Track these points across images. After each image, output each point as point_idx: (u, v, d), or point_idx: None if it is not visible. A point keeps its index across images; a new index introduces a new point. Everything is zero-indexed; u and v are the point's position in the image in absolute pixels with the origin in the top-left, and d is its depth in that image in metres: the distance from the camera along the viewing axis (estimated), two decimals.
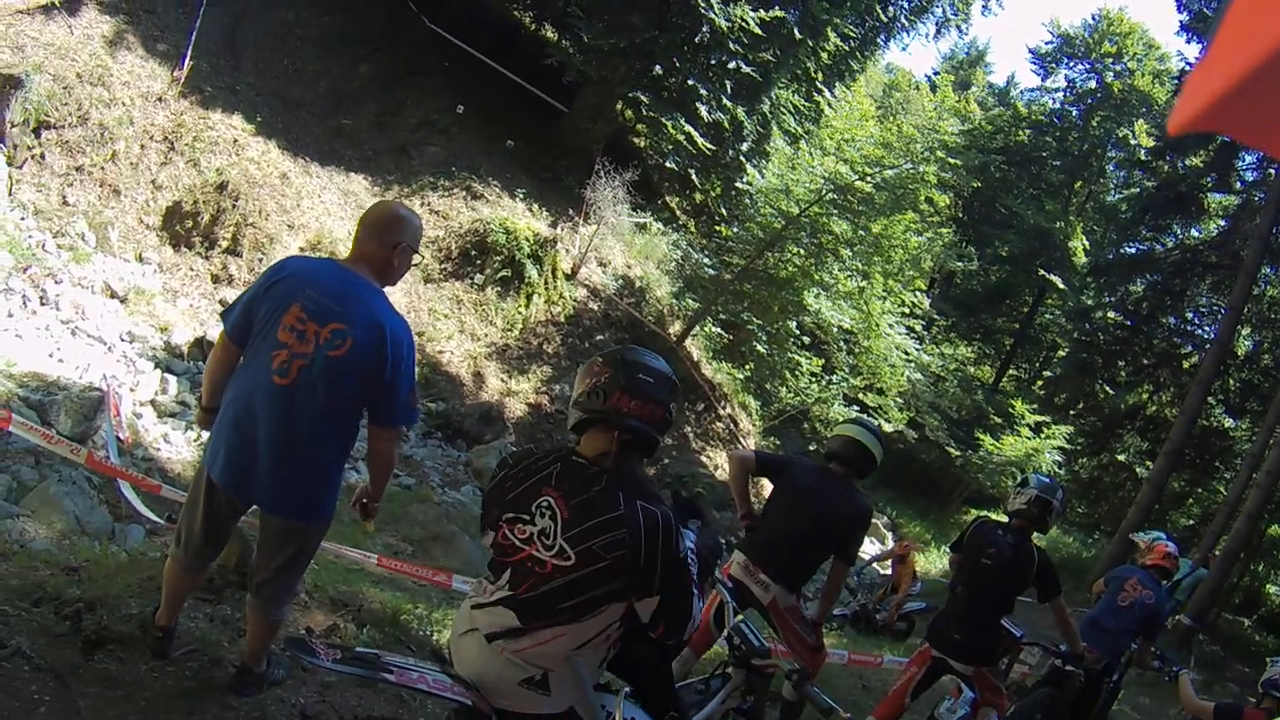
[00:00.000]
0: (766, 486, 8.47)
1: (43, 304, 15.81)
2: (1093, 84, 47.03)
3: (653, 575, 3.60)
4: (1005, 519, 7.99)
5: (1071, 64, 48.59)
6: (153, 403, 15.04)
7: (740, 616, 6.24)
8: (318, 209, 21.71)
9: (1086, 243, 44.98)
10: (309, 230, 20.97)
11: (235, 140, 21.45)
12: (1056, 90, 49.67)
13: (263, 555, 5.27)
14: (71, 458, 9.77)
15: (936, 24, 37.32)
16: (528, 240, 23.51)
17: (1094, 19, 47.73)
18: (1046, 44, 49.72)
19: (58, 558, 7.08)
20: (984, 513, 9.57)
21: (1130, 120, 45.19)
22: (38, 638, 5.29)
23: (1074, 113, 47.97)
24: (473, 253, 23.40)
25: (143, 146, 20.18)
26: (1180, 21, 32.41)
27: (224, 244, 19.70)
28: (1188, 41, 35.07)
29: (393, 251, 5.06)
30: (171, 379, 15.81)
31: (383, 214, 5.19)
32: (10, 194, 17.58)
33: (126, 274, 17.99)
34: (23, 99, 18.37)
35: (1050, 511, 7.79)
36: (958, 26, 38.51)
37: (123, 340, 16.35)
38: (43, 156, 18.71)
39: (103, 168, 19.32)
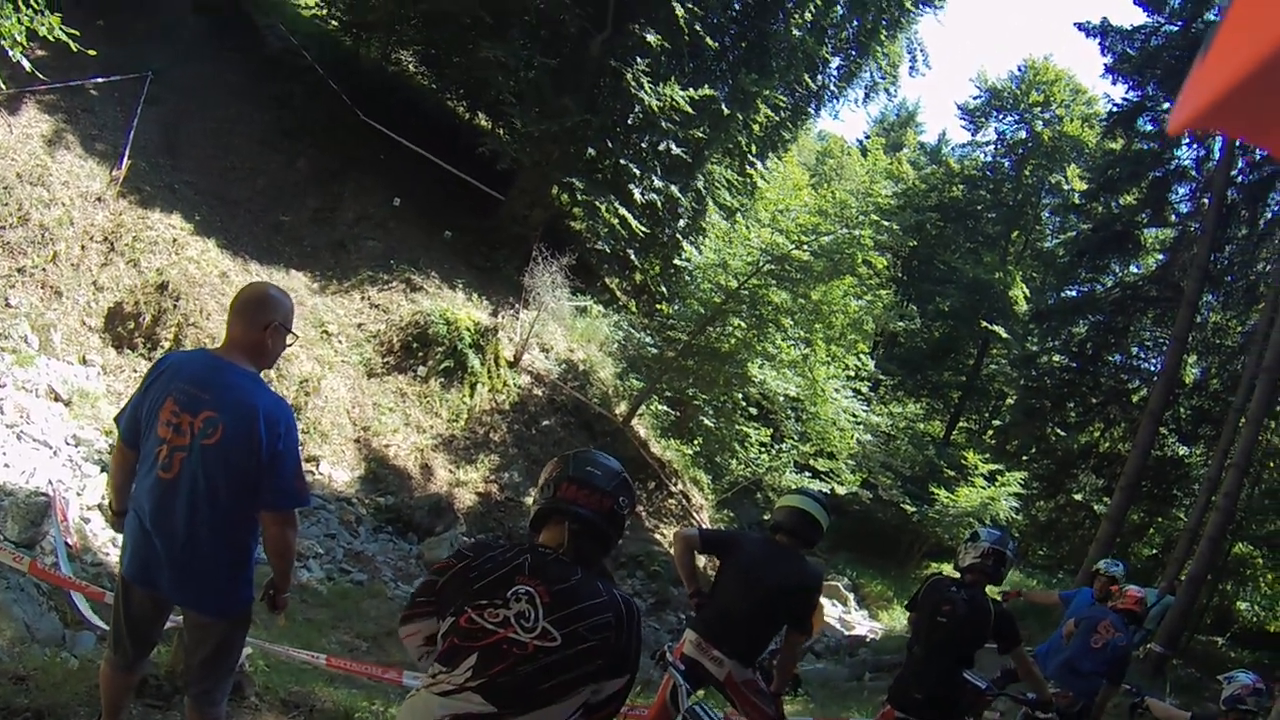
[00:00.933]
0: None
1: None
2: (1023, 134, 47.64)
3: (631, 657, 3.80)
4: (958, 574, 8.13)
5: (1001, 116, 49.25)
6: (99, 507, 14.95)
7: (695, 697, 6.58)
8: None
9: (1027, 290, 45.24)
10: None
11: (175, 240, 21.51)
12: (988, 144, 50.37)
13: (188, 653, 5.35)
14: (15, 566, 9.74)
15: (865, 89, 37.55)
16: (469, 330, 23.61)
17: (1020, 70, 48.56)
18: (975, 99, 50.47)
19: (6, 666, 7.12)
20: (939, 567, 9.49)
21: (1062, 166, 45.83)
22: None
23: (1006, 164, 48.58)
24: (414, 345, 23.46)
25: (83, 247, 20.22)
26: (1105, 64, 32.72)
27: (166, 344, 19.62)
28: (1113, 83, 35.85)
29: (264, 333, 5.09)
30: None
31: (252, 296, 5.23)
32: None
33: (70, 376, 17.97)
34: None
35: (1004, 562, 7.89)
36: (886, 90, 38.78)
37: (68, 444, 16.24)
38: None
39: (44, 269, 19.32)
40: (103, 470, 15.77)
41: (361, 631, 13.98)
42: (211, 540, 4.97)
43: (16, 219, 19.21)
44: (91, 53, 14.52)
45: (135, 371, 19.24)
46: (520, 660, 3.58)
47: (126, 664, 5.35)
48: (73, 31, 10.29)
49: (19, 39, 9.86)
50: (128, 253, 20.70)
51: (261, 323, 5.07)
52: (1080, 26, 32.14)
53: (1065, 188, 45.76)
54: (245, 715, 6.92)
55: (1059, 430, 37.34)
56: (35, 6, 9.95)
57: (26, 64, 10.31)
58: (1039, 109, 47.00)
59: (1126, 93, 34.15)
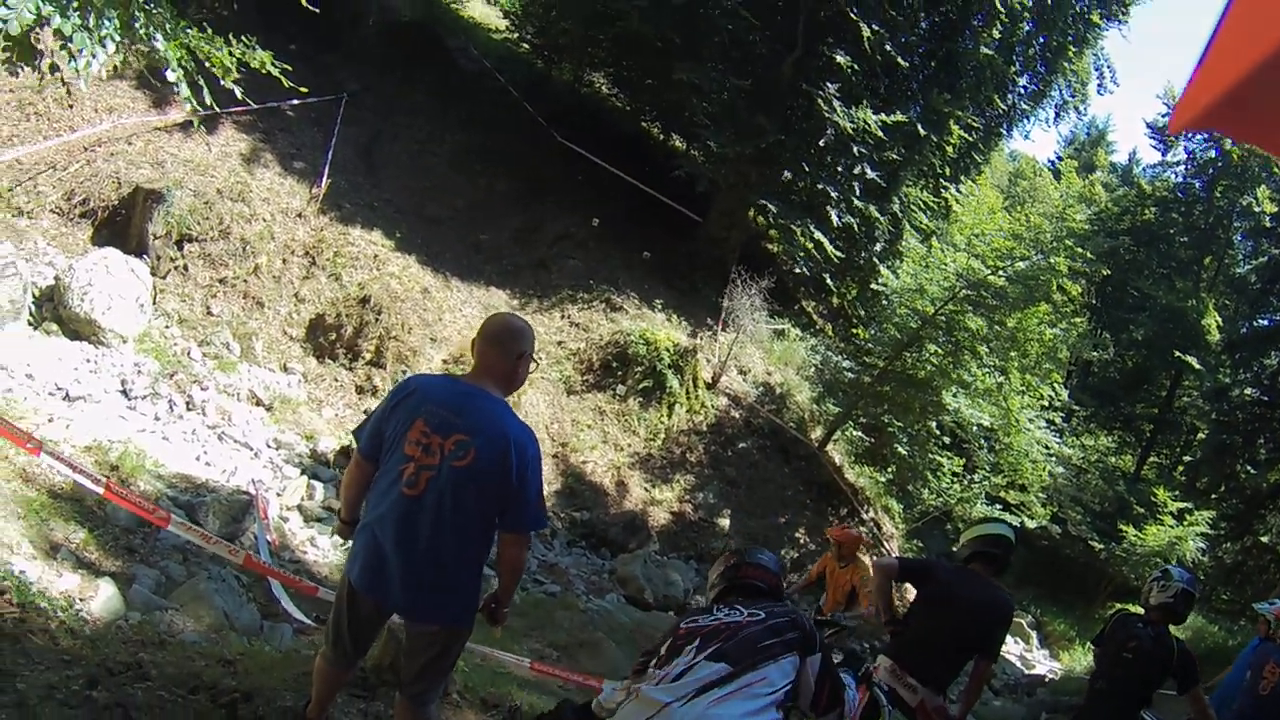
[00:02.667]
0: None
1: (189, 409, 16.06)
2: (1212, 153, 45.70)
3: (815, 633, 4.66)
4: (1143, 611, 7.88)
5: (1189, 135, 47.27)
6: (299, 507, 15.14)
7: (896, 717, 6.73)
8: (459, 322, 21.90)
9: (1219, 319, 43.75)
10: (451, 343, 21.16)
11: (375, 255, 21.83)
12: (1178, 164, 48.52)
13: (409, 657, 5.47)
14: (228, 557, 9.93)
15: (1055, 108, 37.05)
16: (668, 350, 23.54)
17: None
18: (1163, 116, 48.55)
19: (211, 650, 7.27)
20: (1124, 608, 9.23)
21: (1252, 188, 44.15)
22: None
23: (1196, 185, 46.81)
24: (614, 364, 23.50)
25: (284, 260, 20.65)
26: None
27: (367, 356, 19.93)
28: None
29: (516, 362, 5.25)
30: (318, 485, 15.87)
31: (506, 326, 5.37)
32: (155, 303, 17.96)
33: (272, 383, 18.30)
34: (164, 212, 18.96)
35: (1191, 604, 7.70)
36: (1075, 108, 38.22)
37: (269, 446, 16.56)
38: (185, 268, 19.20)
39: (245, 280, 19.78)
40: (302, 473, 15.98)
41: (554, 641, 13.93)
42: (451, 557, 5.10)
43: (218, 232, 19.76)
44: (303, 90, 14.74)
45: (336, 380, 19.58)
46: (738, 629, 4.50)
47: (345, 663, 5.60)
48: (285, 66, 10.41)
49: (231, 67, 9.95)
50: (329, 267, 21.07)
51: (515, 352, 5.25)
52: None
53: (1256, 210, 44.31)
54: (447, 710, 7.03)
55: (1249, 468, 36.19)
56: (247, 41, 10.05)
57: (238, 91, 10.41)
58: None
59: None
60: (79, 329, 16.08)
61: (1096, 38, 35.18)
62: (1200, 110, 1.16)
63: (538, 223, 27.10)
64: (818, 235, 26.61)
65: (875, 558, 15.10)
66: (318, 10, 12.19)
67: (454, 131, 27.52)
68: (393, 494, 5.00)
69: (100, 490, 9.20)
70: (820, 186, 26.46)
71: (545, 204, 27.43)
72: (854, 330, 29.36)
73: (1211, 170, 45.46)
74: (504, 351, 5.21)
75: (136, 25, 8.76)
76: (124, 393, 15.47)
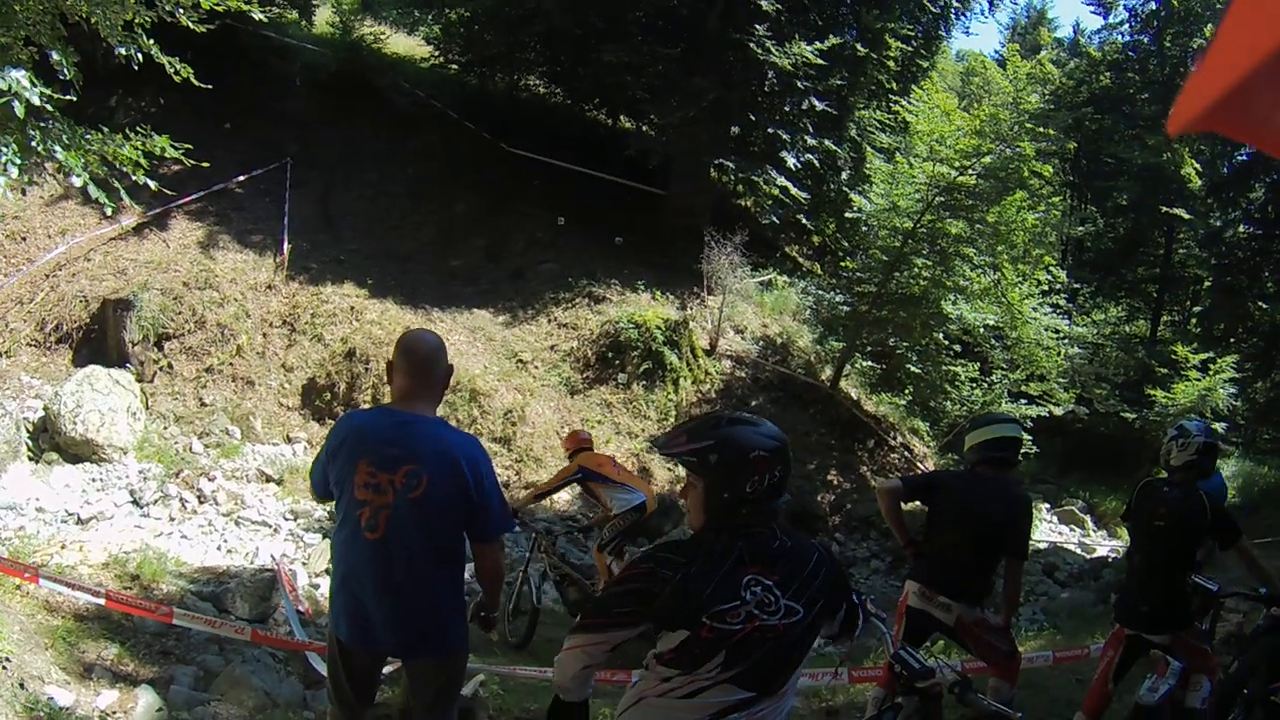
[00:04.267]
0: None
1: (201, 502, 16.19)
2: (1152, 4, 44.78)
3: (847, 585, 4.08)
4: (1166, 474, 7.73)
5: None
6: (327, 572, 15.19)
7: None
8: (449, 352, 21.81)
9: (1198, 165, 43.43)
10: None
11: (352, 308, 21.88)
12: (1121, 24, 47.12)
13: (415, 694, 5.54)
14: (236, 637, 10.07)
15: None
16: (660, 328, 23.52)
17: None
18: None
19: None
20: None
21: (1199, 29, 43.76)
22: None
23: (1145, 40, 45.80)
24: (609, 354, 23.50)
25: (264, 335, 20.81)
26: None
27: (366, 406, 19.79)
28: None
29: (445, 378, 5.43)
30: None
31: (427, 349, 5.39)
32: (147, 408, 18.20)
33: (277, 456, 18.40)
34: (137, 318, 19.16)
35: (1214, 454, 7.55)
36: None
37: (286, 519, 16.62)
38: (169, 366, 19.39)
39: (231, 364, 19.93)
40: (324, 537, 16.01)
41: None
42: (429, 588, 5.17)
43: (194, 324, 19.98)
44: (218, 170, 14.84)
45: None
46: (774, 641, 3.64)
47: (351, 716, 5.53)
48: (185, 145, 10.45)
49: (141, 162, 9.99)
50: (309, 330, 21.20)
51: (444, 371, 5.40)
52: None
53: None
54: None
55: (1261, 304, 36.02)
56: (142, 130, 10.09)
57: (152, 184, 10.48)
58: None
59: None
60: (78, 451, 16.21)
61: None
62: (1200, 110, 1.15)
63: (504, 236, 27.21)
64: (781, 180, 26.62)
65: (878, 483, 15.11)
66: (226, 93, 12.19)
67: (403, 166, 27.66)
68: (356, 542, 5.03)
69: (101, 600, 9.37)
70: (771, 131, 26.47)
71: (509, 215, 27.48)
72: (841, 264, 29.15)
73: (1156, 22, 44.95)
74: (433, 374, 5.29)
75: (33, 144, 8.81)
76: (134, 502, 15.59)
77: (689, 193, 28.30)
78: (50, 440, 16.29)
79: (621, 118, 33.51)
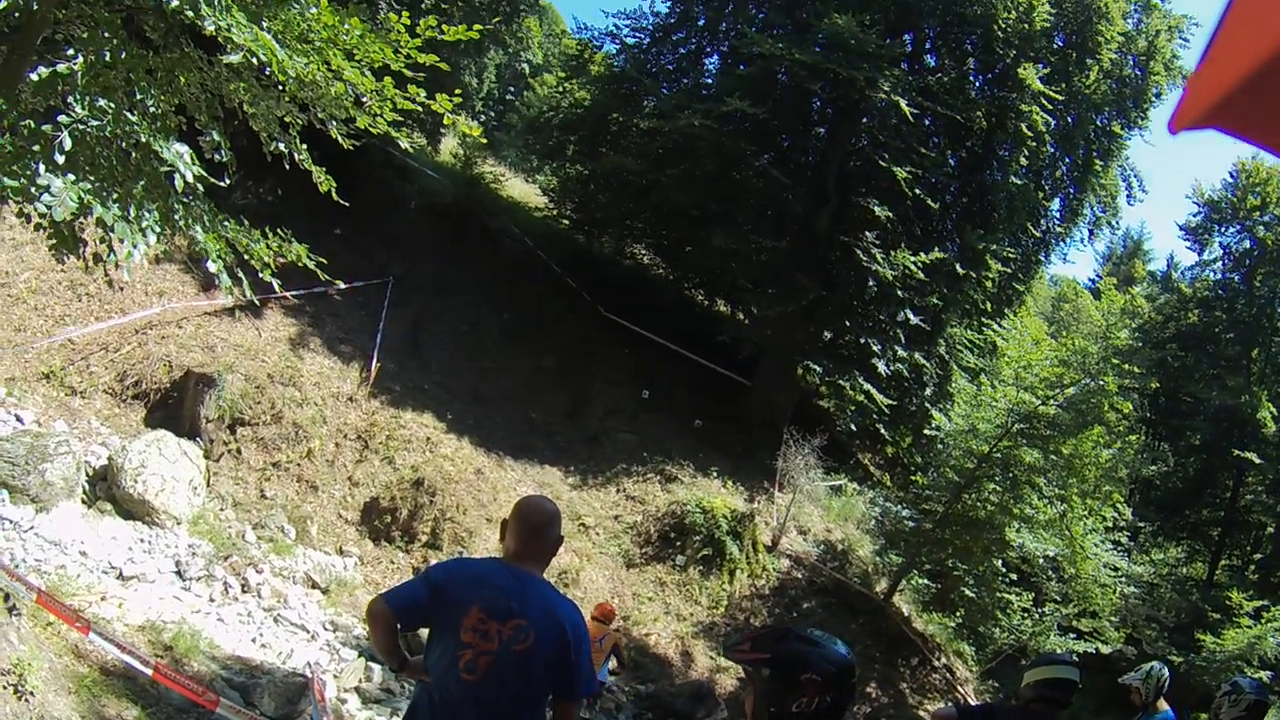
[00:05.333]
0: None
1: (244, 591, 16.06)
2: (1247, 243, 45.39)
3: None
4: None
5: (1223, 229, 46.74)
6: (357, 689, 15.02)
7: None
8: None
9: (1274, 409, 43.04)
10: None
11: (428, 438, 22.00)
12: (1214, 261, 47.60)
13: None
14: None
15: (1089, 226, 37.41)
16: (725, 517, 23.46)
17: (1232, 176, 46.12)
18: (1194, 215, 47.77)
19: None
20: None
21: None
22: None
23: (1236, 279, 46.01)
24: (671, 534, 23.46)
25: (337, 444, 20.90)
26: None
27: (423, 538, 19.95)
28: None
29: (556, 546, 5.59)
30: (375, 667, 15.59)
31: (547, 516, 5.54)
32: (209, 485, 18.21)
33: (328, 565, 18.31)
34: (216, 397, 19.30)
35: (1265, 711, 7.57)
36: (1109, 223, 38.30)
37: (325, 629, 16.47)
38: (239, 451, 19.43)
39: (299, 464, 19.97)
40: (360, 655, 15.91)
41: None
42: None
43: (270, 416, 20.06)
44: (338, 283, 15.09)
45: (393, 563, 19.56)
46: None
47: None
48: (321, 260, 10.71)
49: (269, 262, 10.27)
50: (382, 450, 21.25)
51: (556, 538, 5.56)
52: None
53: None
54: None
55: None
56: (283, 235, 10.39)
57: (276, 285, 10.75)
58: (1258, 214, 44.45)
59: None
60: (133, 509, 16.26)
61: (1120, 149, 35.47)
62: (1202, 110, 1.17)
63: (587, 397, 27.40)
64: (867, 387, 26.81)
65: (935, 708, 15.03)
66: (348, 203, 12.50)
67: (499, 310, 27.99)
68: (449, 679, 5.15)
69: (149, 672, 9.35)
70: (864, 341, 26.81)
71: (594, 378, 27.72)
72: (912, 478, 29.05)
73: (1248, 260, 44.77)
74: (547, 540, 5.48)
75: (175, 217, 9.04)
76: (178, 573, 15.56)
77: (775, 387, 28.44)
78: (108, 490, 16.33)
79: (719, 301, 33.88)
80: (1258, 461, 38.49)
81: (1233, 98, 1.12)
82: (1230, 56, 1.12)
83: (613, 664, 15.57)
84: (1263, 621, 28.34)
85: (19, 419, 17.09)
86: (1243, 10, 1.13)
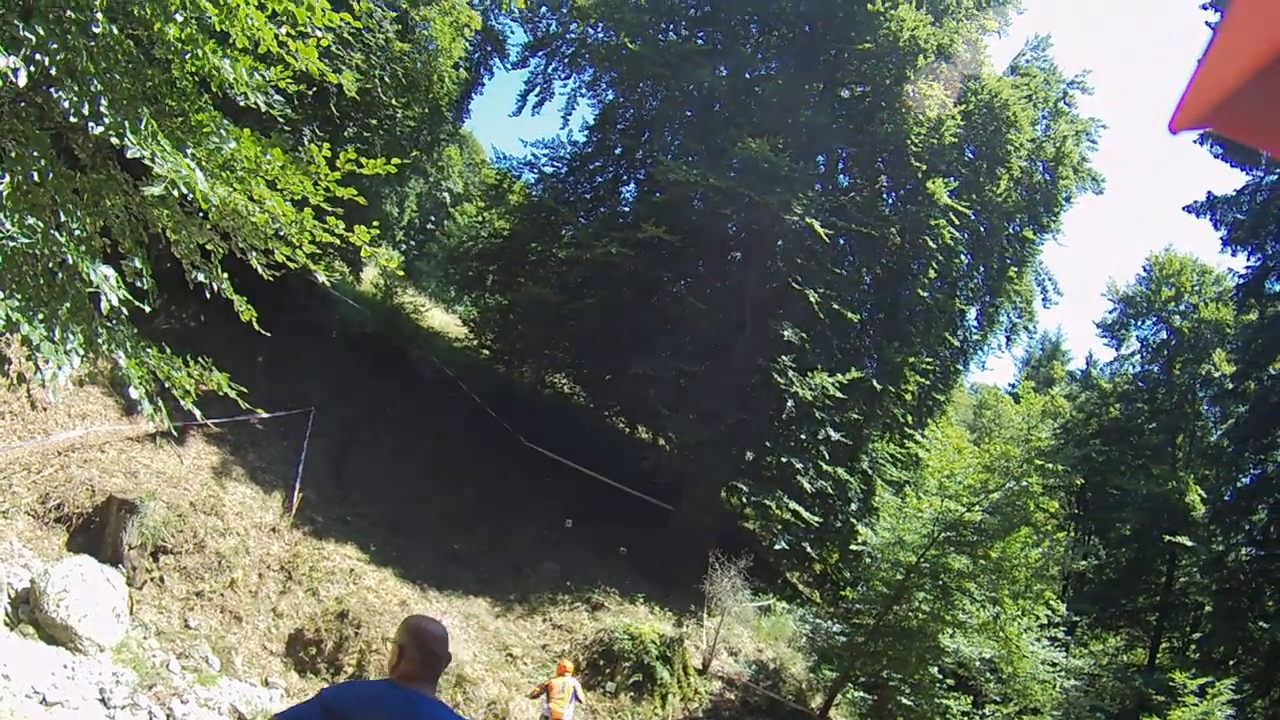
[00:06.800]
0: None
1: None
2: (1164, 334, 46.95)
3: None
4: None
5: (1139, 323, 48.50)
6: None
7: None
8: None
9: (1202, 492, 43.28)
10: None
11: (351, 569, 21.92)
12: (1132, 355, 49.64)
13: None
14: None
15: (1005, 333, 38.55)
16: (654, 643, 23.34)
17: (1146, 270, 48.11)
18: (1110, 313, 49.82)
19: None
20: None
21: (1208, 354, 44.90)
22: None
23: (1155, 370, 47.58)
24: (600, 662, 23.24)
25: (260, 575, 20.74)
26: (1221, 238, 34.08)
27: (349, 670, 19.72)
28: (1234, 254, 36.31)
29: (444, 665, 5.40)
30: None
31: (438, 635, 5.43)
32: (132, 613, 17.89)
33: (253, 697, 18.00)
34: (139, 524, 19.02)
35: None
36: (1025, 328, 39.31)
37: None
38: (162, 580, 19.20)
39: (222, 594, 19.76)
40: None
41: None
42: None
43: (193, 545, 19.83)
44: (260, 412, 15.14)
45: None
46: None
47: None
48: (242, 389, 10.75)
49: (190, 390, 10.27)
50: (305, 581, 21.13)
51: (446, 659, 5.40)
52: (1189, 209, 33.62)
53: (1216, 375, 44.73)
54: None
55: (1262, 624, 35.65)
56: (204, 363, 10.41)
57: (198, 414, 10.79)
58: (1172, 304, 46.43)
59: (1248, 260, 34.62)
60: (55, 635, 16.06)
61: (1034, 254, 36.36)
62: (1201, 110, 1.18)
63: (510, 527, 27.44)
64: (793, 505, 26.94)
65: None
66: (270, 332, 12.52)
67: (421, 441, 28.08)
68: None
69: None
70: (785, 460, 26.88)
71: (517, 508, 27.76)
72: (841, 593, 29.20)
73: (1166, 351, 45.99)
74: (439, 659, 5.34)
75: (99, 341, 9.04)
76: (102, 701, 15.33)
77: (698, 511, 28.59)
78: (30, 614, 16.06)
79: (640, 428, 33.99)
80: (1189, 544, 38.87)
81: (1231, 99, 1.14)
82: (1230, 56, 1.13)
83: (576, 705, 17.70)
84: (1208, 697, 28.40)
85: None
86: (1243, 10, 1.14)
